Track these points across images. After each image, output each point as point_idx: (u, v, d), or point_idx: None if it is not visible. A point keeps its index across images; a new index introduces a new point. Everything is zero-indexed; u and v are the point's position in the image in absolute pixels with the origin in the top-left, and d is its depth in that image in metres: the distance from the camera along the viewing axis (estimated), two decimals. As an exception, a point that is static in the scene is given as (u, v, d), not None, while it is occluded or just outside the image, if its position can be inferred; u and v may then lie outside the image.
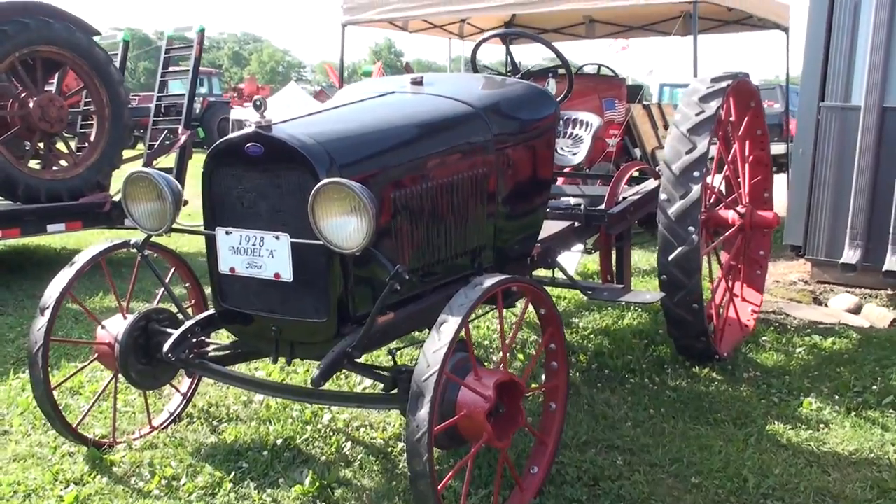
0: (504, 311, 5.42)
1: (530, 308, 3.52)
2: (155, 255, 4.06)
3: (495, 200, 4.02)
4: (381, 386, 3.41)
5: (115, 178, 8.79)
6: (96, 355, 3.97)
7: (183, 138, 8.64)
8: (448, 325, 2.98)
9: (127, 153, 9.11)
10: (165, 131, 9.02)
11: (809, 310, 6.66)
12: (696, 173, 4.77)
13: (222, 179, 3.38)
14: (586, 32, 11.95)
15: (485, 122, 3.98)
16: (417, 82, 4.26)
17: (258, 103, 3.22)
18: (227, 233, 3.37)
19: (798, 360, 5.34)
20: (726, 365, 5.14)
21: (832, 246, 7.30)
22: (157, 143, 8.89)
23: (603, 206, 5.13)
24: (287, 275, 3.27)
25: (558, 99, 4.57)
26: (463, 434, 3.15)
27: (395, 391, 3.36)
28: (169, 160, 8.76)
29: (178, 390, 4.39)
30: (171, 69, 9.68)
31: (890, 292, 7.16)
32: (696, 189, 4.74)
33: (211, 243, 3.45)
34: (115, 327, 3.86)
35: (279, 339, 3.46)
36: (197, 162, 10.17)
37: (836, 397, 4.69)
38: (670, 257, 4.78)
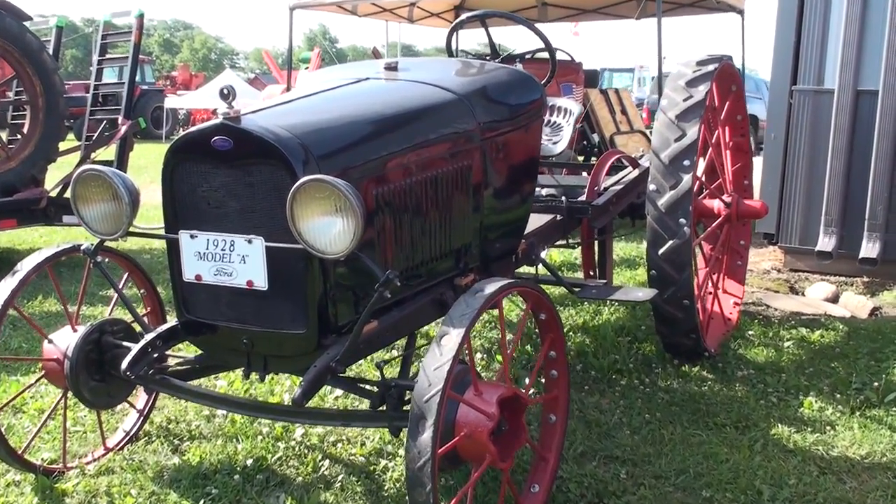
0: (484, 314, 5.14)
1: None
2: (106, 261, 3.64)
3: (482, 193, 3.72)
4: (353, 397, 3.08)
5: (51, 171, 8.30)
6: (44, 372, 3.56)
7: (123, 129, 8.15)
8: (449, 339, 2.66)
9: (63, 145, 8.57)
10: (105, 122, 8.53)
11: (788, 300, 6.47)
12: (686, 162, 4.50)
13: (186, 177, 3.02)
14: (539, 16, 11.65)
15: (469, 110, 3.67)
16: (392, 67, 3.94)
17: (226, 92, 2.86)
18: (191, 236, 3.01)
19: (789, 355, 5.11)
20: (716, 362, 4.89)
21: (806, 233, 7.15)
22: (96, 134, 8.38)
23: (584, 198, 4.85)
24: (261, 282, 2.94)
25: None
26: (463, 455, 2.84)
27: (383, 407, 3.05)
28: (108, 153, 8.27)
29: (133, 407, 3.99)
30: (107, 56, 9.16)
31: (866, 279, 7.01)
32: (686, 178, 4.47)
33: (173, 248, 3.08)
34: (63, 341, 3.46)
35: (251, 353, 3.11)
36: (138, 153, 9.72)
37: (837, 396, 4.46)
38: (660, 251, 4.51)
